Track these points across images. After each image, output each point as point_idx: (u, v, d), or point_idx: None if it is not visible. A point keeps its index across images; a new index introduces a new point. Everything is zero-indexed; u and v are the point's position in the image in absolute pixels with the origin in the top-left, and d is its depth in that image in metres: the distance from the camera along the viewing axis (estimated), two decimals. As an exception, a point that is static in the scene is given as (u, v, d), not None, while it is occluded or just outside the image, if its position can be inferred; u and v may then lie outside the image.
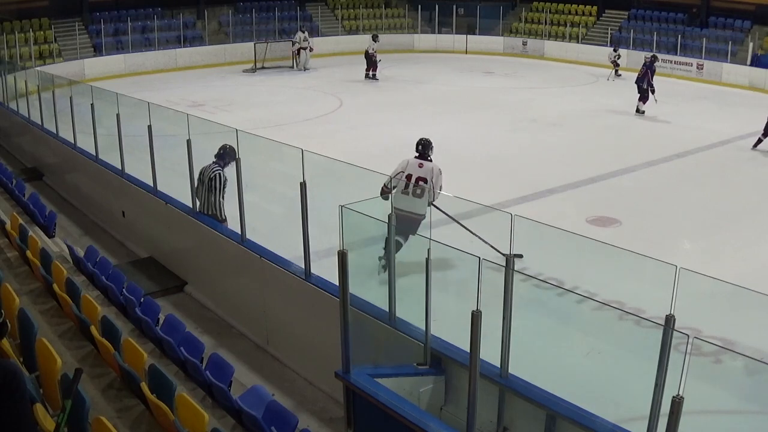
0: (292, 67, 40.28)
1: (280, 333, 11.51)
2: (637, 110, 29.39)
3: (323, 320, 9.92)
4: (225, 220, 12.74)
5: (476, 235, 13.35)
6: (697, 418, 7.93)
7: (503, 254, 13.62)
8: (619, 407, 8.10)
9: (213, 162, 12.52)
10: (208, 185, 12.59)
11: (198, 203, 12.96)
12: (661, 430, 6.24)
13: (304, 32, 40.38)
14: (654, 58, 30.03)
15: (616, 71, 39.70)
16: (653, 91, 29.06)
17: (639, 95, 29.39)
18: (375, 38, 36.76)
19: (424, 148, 13.95)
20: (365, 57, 36.40)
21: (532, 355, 9.23)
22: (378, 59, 36.26)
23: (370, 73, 36.41)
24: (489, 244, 14.17)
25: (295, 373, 10.92)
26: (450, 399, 8.55)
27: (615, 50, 40.56)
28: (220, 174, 12.42)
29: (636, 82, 29.69)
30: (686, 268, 6.15)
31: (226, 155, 12.41)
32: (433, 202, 13.21)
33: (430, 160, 13.83)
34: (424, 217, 12.91)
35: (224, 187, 12.52)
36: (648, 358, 6.36)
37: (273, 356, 11.42)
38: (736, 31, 41.58)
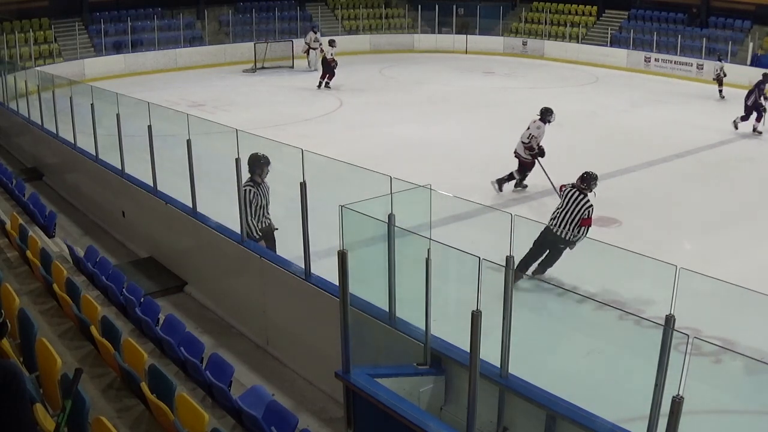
0: (292, 67, 40.26)
1: (280, 333, 11.51)
2: (735, 125, 26.52)
3: (323, 320, 9.92)
4: (260, 238, 12.22)
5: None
6: (697, 418, 7.95)
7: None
8: (619, 407, 8.10)
9: (248, 178, 12.21)
10: (239, 203, 12.20)
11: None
12: (661, 430, 6.25)
13: (315, 33, 40.23)
14: (765, 77, 27.04)
15: (721, 91, 33.81)
16: (759, 113, 26.36)
17: (744, 112, 26.56)
18: (332, 43, 34.93)
19: (542, 113, 18.93)
20: (322, 63, 34.95)
21: (533, 355, 9.24)
22: (335, 65, 34.45)
23: (325, 80, 34.56)
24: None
25: (295, 373, 10.93)
26: (450, 399, 8.56)
27: (720, 59, 35.00)
28: (244, 191, 12.03)
29: (745, 99, 26.84)
30: (686, 268, 6.15)
31: (254, 166, 12.08)
32: (538, 157, 18.87)
33: (544, 122, 18.76)
34: (521, 155, 19.05)
35: (250, 204, 12.04)
36: (648, 358, 6.37)
37: (273, 356, 11.43)
38: (736, 31, 41.60)
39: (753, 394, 9.60)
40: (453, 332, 8.32)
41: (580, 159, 21.61)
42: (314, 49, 39.49)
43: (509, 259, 7.40)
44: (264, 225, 12.25)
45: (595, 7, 47.62)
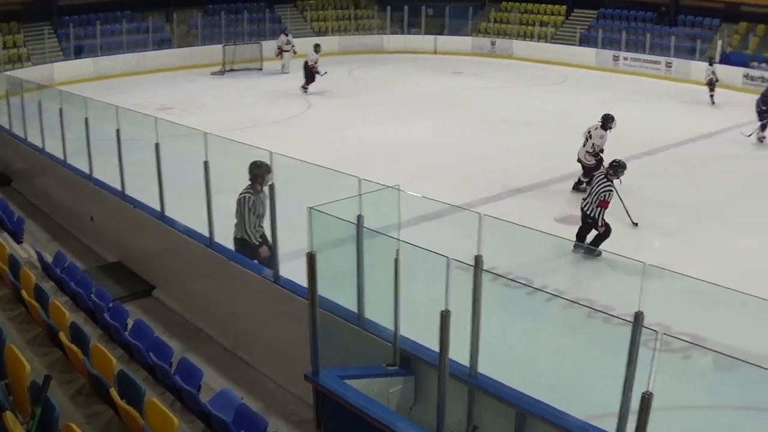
0: (260, 69, 40.12)
1: (249, 336, 11.49)
2: (759, 138, 25.20)
3: (292, 323, 9.90)
4: (259, 244, 11.96)
5: (624, 204, 16.50)
6: (667, 414, 7.99)
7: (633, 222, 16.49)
8: (589, 404, 8.14)
9: (248, 185, 12.01)
10: (236, 209, 12.00)
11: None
12: (631, 426, 6.29)
13: (287, 35, 40.20)
14: None
15: (712, 96, 32.83)
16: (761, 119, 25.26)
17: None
18: (317, 49, 33.75)
19: (603, 120, 19.17)
20: (304, 69, 33.72)
21: (502, 354, 9.26)
22: (318, 71, 33.37)
23: (307, 85, 33.62)
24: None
25: (264, 376, 10.91)
26: (420, 399, 8.57)
27: (711, 62, 33.91)
28: (243, 198, 11.87)
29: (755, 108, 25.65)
30: (655, 265, 6.20)
31: (256, 174, 11.83)
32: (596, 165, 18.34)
33: (605, 129, 19.05)
34: (582, 160, 19.16)
35: (250, 211, 11.81)
36: (617, 354, 6.40)
37: (242, 359, 11.40)
38: (705, 29, 41.89)
39: (723, 390, 9.67)
40: (422, 332, 8.33)
41: (550, 159, 21.77)
42: (286, 51, 39.42)
43: (478, 258, 7.42)
44: (260, 233, 12.07)
45: (564, 7, 47.81)
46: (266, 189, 11.63)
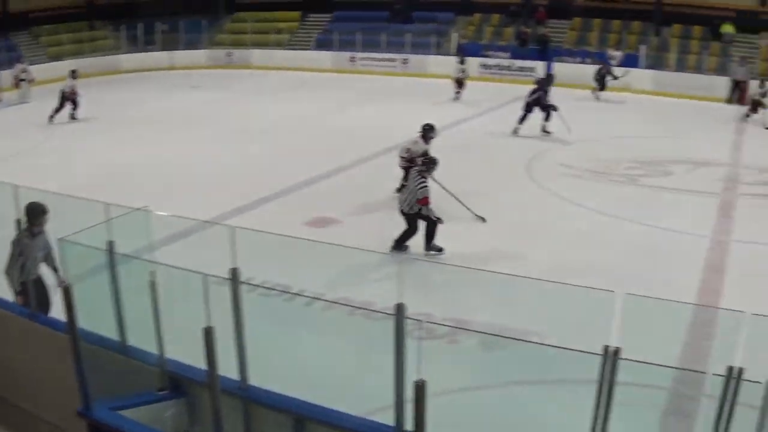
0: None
1: (17, 380, 11.07)
2: (544, 129, 26.49)
3: (57, 359, 9.61)
4: (19, 292, 11.19)
5: (459, 200, 17.15)
6: (441, 399, 8.27)
7: (478, 216, 16.89)
8: (366, 399, 8.28)
9: (25, 228, 11.12)
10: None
11: None
12: (409, 415, 6.47)
13: (23, 63, 38.74)
14: (551, 78, 27.60)
15: (458, 93, 34.06)
16: (548, 113, 26.29)
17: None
18: (74, 74, 32.21)
19: (423, 130, 19.38)
20: (61, 97, 31.76)
21: (271, 362, 9.33)
22: (75, 96, 31.84)
23: (70, 113, 31.92)
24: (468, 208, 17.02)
25: (39, 419, 10.58)
26: (195, 419, 8.51)
27: (461, 62, 34.73)
28: (14, 240, 11.09)
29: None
30: (416, 257, 6.41)
31: (31, 216, 10.97)
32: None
33: (424, 138, 19.16)
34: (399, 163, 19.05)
35: (20, 255, 11.03)
36: (384, 348, 6.57)
37: (14, 405, 11.01)
38: (440, 24, 43.26)
39: (491, 368, 10.04)
40: (191, 352, 8.29)
41: (293, 164, 21.96)
42: (23, 80, 38.06)
43: (235, 271, 7.45)
44: (30, 278, 11.16)
45: (298, 13, 48.26)
46: (47, 230, 11.26)
